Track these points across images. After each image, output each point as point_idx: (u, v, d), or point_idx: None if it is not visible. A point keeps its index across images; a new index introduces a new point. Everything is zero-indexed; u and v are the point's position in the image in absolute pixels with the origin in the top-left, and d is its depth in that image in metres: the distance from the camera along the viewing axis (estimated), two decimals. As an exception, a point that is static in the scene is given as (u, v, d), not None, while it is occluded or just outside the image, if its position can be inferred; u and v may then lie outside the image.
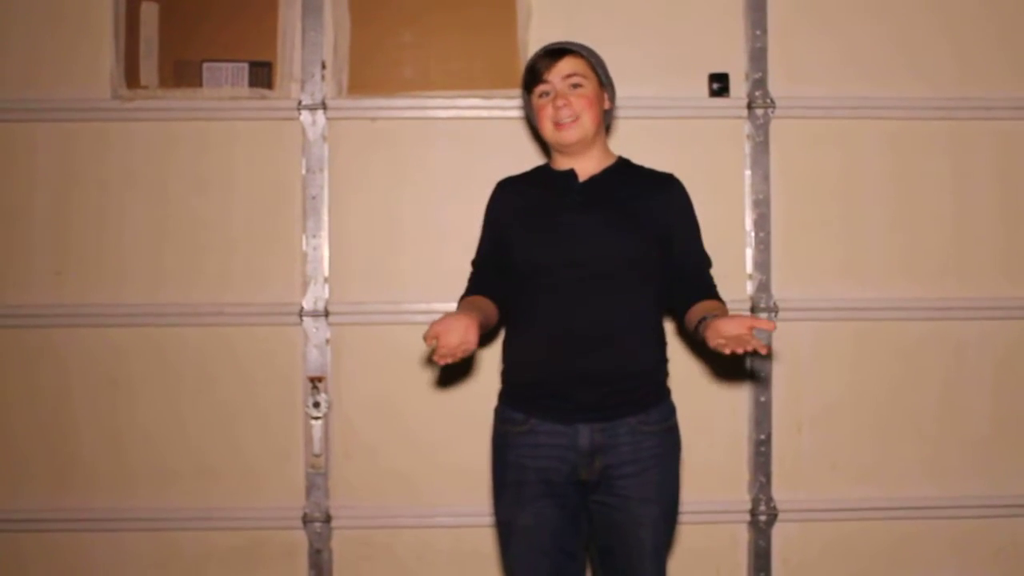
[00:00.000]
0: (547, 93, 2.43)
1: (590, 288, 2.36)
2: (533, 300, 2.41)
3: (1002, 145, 3.28)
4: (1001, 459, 3.31)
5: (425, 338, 2.21)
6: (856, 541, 3.29)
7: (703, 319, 2.28)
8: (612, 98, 2.52)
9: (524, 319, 2.44)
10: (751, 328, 2.16)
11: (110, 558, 3.24)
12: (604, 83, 2.48)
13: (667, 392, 2.48)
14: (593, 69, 2.45)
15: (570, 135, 2.43)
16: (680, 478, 2.47)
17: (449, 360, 2.21)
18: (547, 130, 2.45)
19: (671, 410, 2.47)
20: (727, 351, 2.14)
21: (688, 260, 2.47)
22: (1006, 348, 3.30)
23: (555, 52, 2.43)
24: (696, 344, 3.17)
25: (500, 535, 2.48)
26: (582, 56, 2.44)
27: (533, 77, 2.44)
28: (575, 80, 2.42)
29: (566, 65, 2.42)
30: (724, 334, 2.16)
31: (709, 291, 2.44)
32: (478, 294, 2.48)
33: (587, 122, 2.43)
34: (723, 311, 2.37)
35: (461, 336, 2.21)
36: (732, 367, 3.24)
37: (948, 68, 3.27)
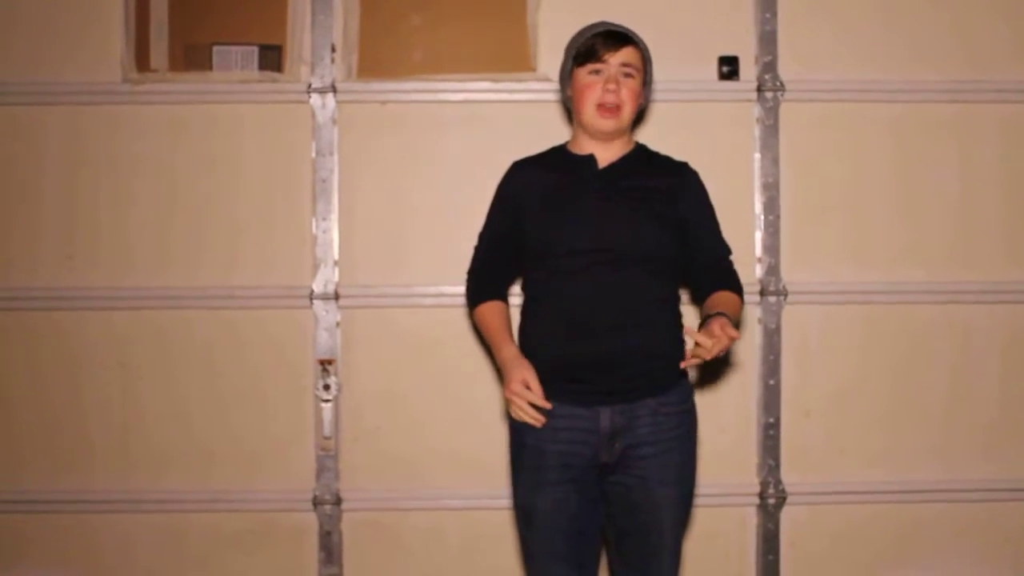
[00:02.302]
0: (599, 72, 2.42)
1: (608, 273, 2.36)
2: (550, 284, 2.41)
3: (1008, 128, 3.29)
4: (1009, 443, 3.32)
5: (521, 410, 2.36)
6: (864, 525, 3.30)
7: (707, 318, 2.31)
8: (649, 95, 2.53)
9: (541, 304, 2.44)
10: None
11: (117, 540, 3.25)
12: (647, 80, 2.49)
13: (685, 374, 2.49)
14: (644, 64, 2.46)
15: (608, 123, 2.43)
16: (697, 460, 2.48)
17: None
18: (587, 110, 2.43)
19: (689, 392, 2.49)
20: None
21: (706, 250, 2.48)
22: (1013, 332, 3.30)
23: (620, 38, 2.42)
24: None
25: (519, 518, 2.48)
26: (640, 50, 2.44)
27: (589, 55, 2.42)
28: (628, 70, 2.42)
29: (626, 54, 2.41)
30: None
31: (726, 281, 2.45)
32: (493, 293, 2.51)
33: (626, 115, 2.44)
34: (729, 304, 2.39)
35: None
36: (740, 351, 3.25)
37: (955, 52, 3.27)
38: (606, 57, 2.41)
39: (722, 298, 2.40)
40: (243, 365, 3.24)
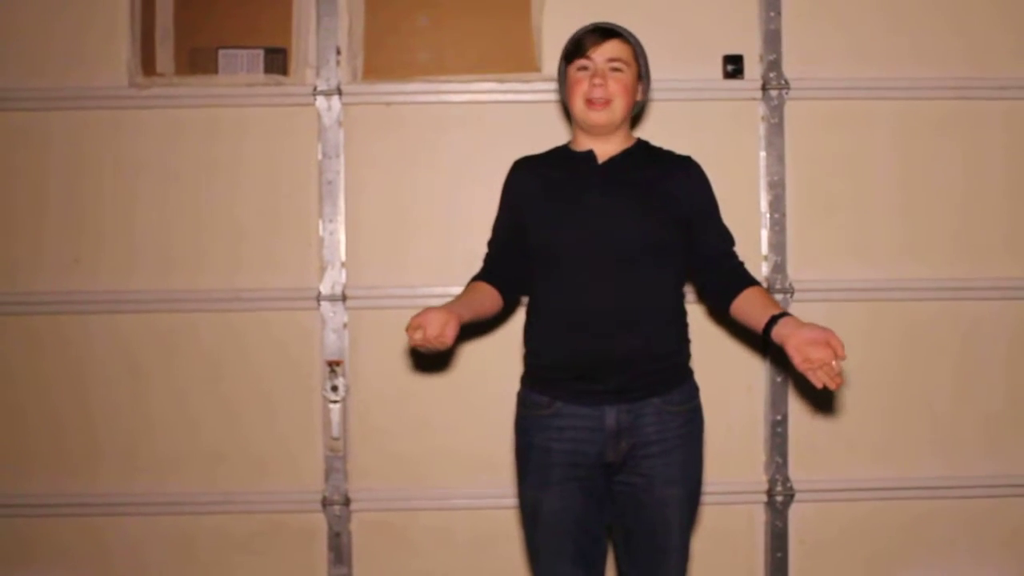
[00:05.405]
0: (586, 68, 2.42)
1: (610, 270, 2.36)
2: (554, 282, 2.41)
3: (1012, 125, 3.30)
4: (1014, 439, 3.32)
5: (407, 329, 2.26)
6: (872, 521, 3.30)
7: (771, 321, 2.28)
8: (646, 91, 2.52)
9: (545, 302, 2.44)
10: (832, 353, 2.19)
11: (126, 544, 3.25)
12: (642, 74, 2.48)
13: (690, 373, 2.49)
14: (636, 58, 2.45)
15: (599, 117, 2.43)
16: (703, 458, 2.49)
17: (424, 346, 2.25)
18: (577, 106, 2.44)
19: (695, 390, 2.49)
20: (817, 383, 2.20)
21: (712, 242, 2.47)
22: (1017, 328, 3.31)
23: (604, 32, 2.43)
24: (712, 325, 3.21)
25: (525, 518, 2.49)
26: (629, 43, 2.44)
27: (576, 50, 2.44)
28: (617, 64, 2.42)
29: (612, 48, 2.42)
30: (812, 358, 2.19)
31: (743, 276, 2.44)
32: (488, 279, 2.49)
33: (618, 108, 2.43)
34: (772, 300, 2.38)
35: (439, 330, 2.24)
36: (747, 348, 3.26)
37: (958, 50, 3.28)
38: (591, 53, 2.41)
39: (761, 297, 2.38)
40: (250, 367, 3.24)
